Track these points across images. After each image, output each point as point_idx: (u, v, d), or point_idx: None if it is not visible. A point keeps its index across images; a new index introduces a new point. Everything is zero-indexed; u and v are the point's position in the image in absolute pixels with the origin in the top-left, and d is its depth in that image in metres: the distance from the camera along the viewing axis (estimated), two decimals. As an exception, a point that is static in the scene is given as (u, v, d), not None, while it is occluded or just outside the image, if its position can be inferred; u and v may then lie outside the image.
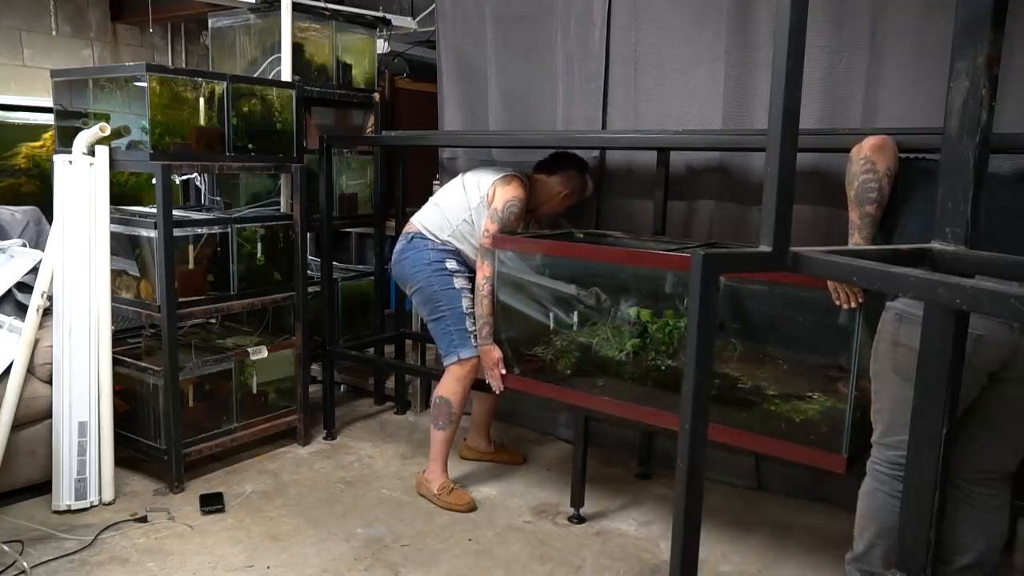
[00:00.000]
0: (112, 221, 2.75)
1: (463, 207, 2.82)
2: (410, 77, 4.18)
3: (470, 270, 2.85)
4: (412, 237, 2.86)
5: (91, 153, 2.68)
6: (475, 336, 2.77)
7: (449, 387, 2.79)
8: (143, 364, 2.88)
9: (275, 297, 3.14)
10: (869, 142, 1.90)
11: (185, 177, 3.61)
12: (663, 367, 2.47)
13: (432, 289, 2.80)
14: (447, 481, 2.80)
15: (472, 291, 2.80)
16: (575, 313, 2.71)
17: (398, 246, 2.92)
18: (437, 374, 3.11)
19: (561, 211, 2.96)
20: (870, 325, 1.98)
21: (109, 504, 2.69)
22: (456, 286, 2.80)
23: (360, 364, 3.83)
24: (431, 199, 2.96)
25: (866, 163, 1.89)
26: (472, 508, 2.74)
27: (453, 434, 2.83)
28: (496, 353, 2.73)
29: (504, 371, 2.73)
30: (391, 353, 3.82)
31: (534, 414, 3.49)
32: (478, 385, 2.87)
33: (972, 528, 1.90)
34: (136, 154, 2.72)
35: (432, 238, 2.83)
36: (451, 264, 2.82)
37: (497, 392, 2.79)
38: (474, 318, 2.77)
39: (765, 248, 1.06)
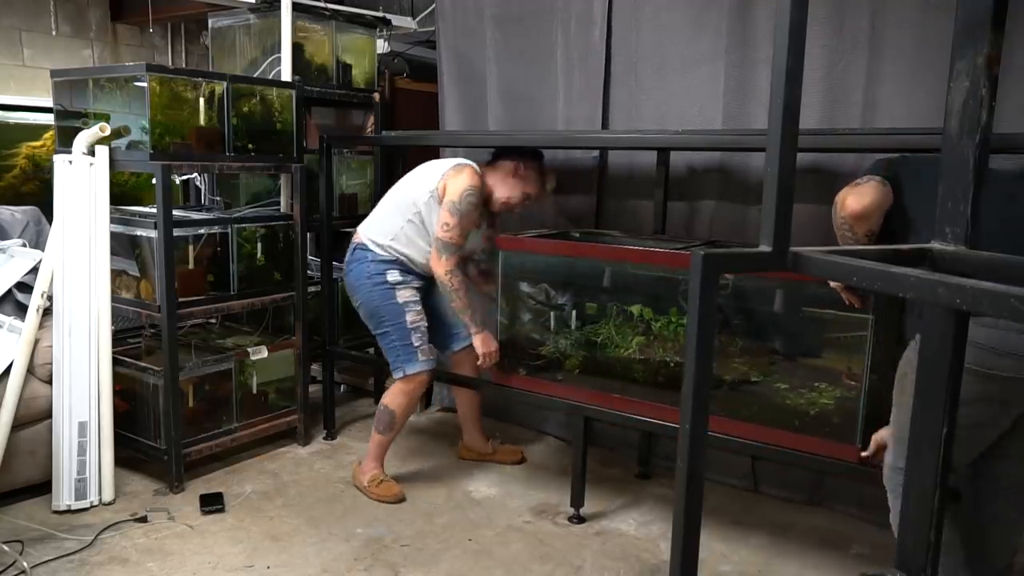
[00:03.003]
0: (112, 221, 2.75)
1: (408, 206, 2.72)
2: (410, 77, 4.18)
3: (419, 277, 2.76)
4: (355, 248, 2.79)
5: (91, 153, 2.68)
6: (422, 350, 2.70)
7: (394, 399, 2.76)
8: (143, 364, 2.88)
9: (275, 297, 3.14)
10: (850, 208, 1.79)
11: (185, 177, 3.61)
12: (671, 363, 2.48)
13: (373, 304, 2.72)
14: (378, 473, 2.82)
15: (419, 302, 2.72)
16: (573, 312, 2.72)
17: (346, 257, 2.84)
18: (441, 374, 3.12)
19: (516, 205, 2.81)
20: (883, 318, 2.00)
21: (109, 504, 2.69)
22: (398, 300, 2.69)
23: (360, 364, 3.83)
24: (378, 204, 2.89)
25: (845, 225, 1.84)
26: (399, 500, 2.75)
27: (392, 439, 2.83)
28: (493, 344, 2.71)
29: (498, 358, 2.71)
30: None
31: (533, 413, 3.48)
32: (457, 380, 2.89)
33: None
34: (136, 154, 2.72)
35: (374, 248, 2.74)
36: (392, 276, 2.70)
37: (487, 366, 2.76)
38: (421, 332, 2.70)
39: (765, 248, 1.06)
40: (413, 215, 2.70)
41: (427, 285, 2.81)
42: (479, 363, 2.75)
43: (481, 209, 2.72)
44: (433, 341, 2.80)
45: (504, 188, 2.76)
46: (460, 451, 3.16)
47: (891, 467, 1.87)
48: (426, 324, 2.75)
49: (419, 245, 2.72)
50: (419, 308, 2.72)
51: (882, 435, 2.00)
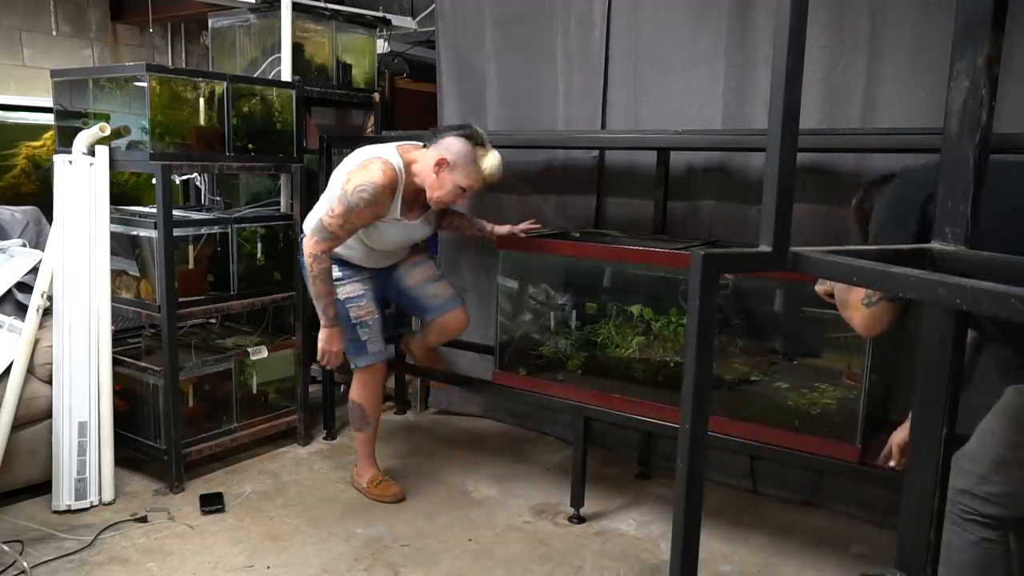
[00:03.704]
0: (112, 221, 2.75)
1: (331, 198, 2.52)
2: (410, 77, 4.18)
3: (365, 271, 2.68)
4: (300, 246, 2.64)
5: (91, 153, 2.68)
6: (371, 342, 2.68)
7: (357, 392, 2.78)
8: (143, 364, 2.88)
9: (275, 297, 3.14)
10: (857, 329, 1.70)
11: (185, 177, 3.61)
12: (671, 363, 2.48)
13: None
14: (376, 473, 2.82)
15: (364, 296, 2.65)
16: (573, 312, 2.72)
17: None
18: (440, 374, 3.11)
19: (450, 200, 2.52)
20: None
21: (109, 504, 2.69)
22: (340, 296, 2.60)
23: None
24: None
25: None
26: (399, 499, 2.77)
27: (373, 433, 2.84)
28: (336, 344, 2.59)
29: (337, 348, 2.60)
30: (391, 353, 3.82)
31: (533, 413, 3.48)
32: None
33: None
34: (136, 154, 2.72)
35: None
36: (333, 272, 2.57)
37: (326, 367, 2.72)
38: (368, 326, 2.66)
39: (765, 248, 1.06)
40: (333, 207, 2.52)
41: (380, 273, 2.74)
42: (318, 358, 2.64)
43: (382, 209, 2.47)
44: (407, 320, 2.82)
45: (431, 184, 2.49)
46: (405, 341, 3.17)
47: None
48: (376, 316, 2.69)
49: (356, 245, 2.60)
50: (363, 302, 2.64)
51: (900, 437, 1.95)
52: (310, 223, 2.59)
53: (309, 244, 2.46)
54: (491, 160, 2.48)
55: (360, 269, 2.68)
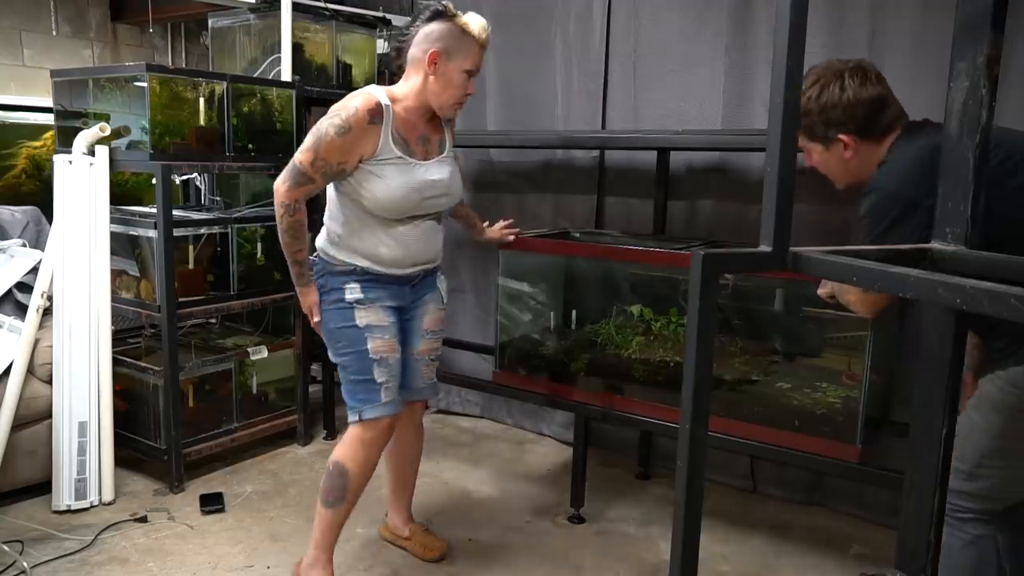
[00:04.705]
0: (112, 221, 2.75)
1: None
2: (410, 77, 4.17)
3: (389, 286, 2.12)
4: (315, 255, 2.20)
5: (91, 153, 2.68)
6: (386, 389, 2.10)
7: (349, 451, 2.11)
8: (143, 364, 2.88)
9: (275, 297, 3.14)
10: (860, 312, 1.76)
11: (185, 177, 3.61)
12: (671, 363, 2.48)
13: (329, 327, 2.12)
14: None
15: (389, 328, 2.11)
16: (573, 312, 2.72)
17: None
18: (440, 374, 3.07)
19: (467, 76, 2.04)
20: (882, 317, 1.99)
21: (109, 504, 2.69)
22: (359, 323, 2.07)
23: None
24: None
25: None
26: None
27: (347, 515, 2.16)
28: (312, 296, 2.14)
29: (318, 317, 2.13)
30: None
31: (533, 414, 3.48)
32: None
33: None
34: (136, 154, 2.72)
35: (324, 255, 2.15)
36: (351, 292, 2.08)
37: (313, 324, 2.17)
38: (387, 365, 2.10)
39: (765, 248, 1.06)
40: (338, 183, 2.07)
41: (404, 294, 2.18)
42: (310, 321, 2.18)
43: (362, 144, 1.99)
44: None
45: (435, 91, 2.04)
46: (381, 530, 2.55)
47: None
48: (399, 355, 2.14)
49: (370, 230, 2.07)
50: (387, 336, 2.10)
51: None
52: (325, 227, 2.19)
53: (281, 191, 2.03)
54: (476, 21, 2.03)
55: (385, 286, 2.12)
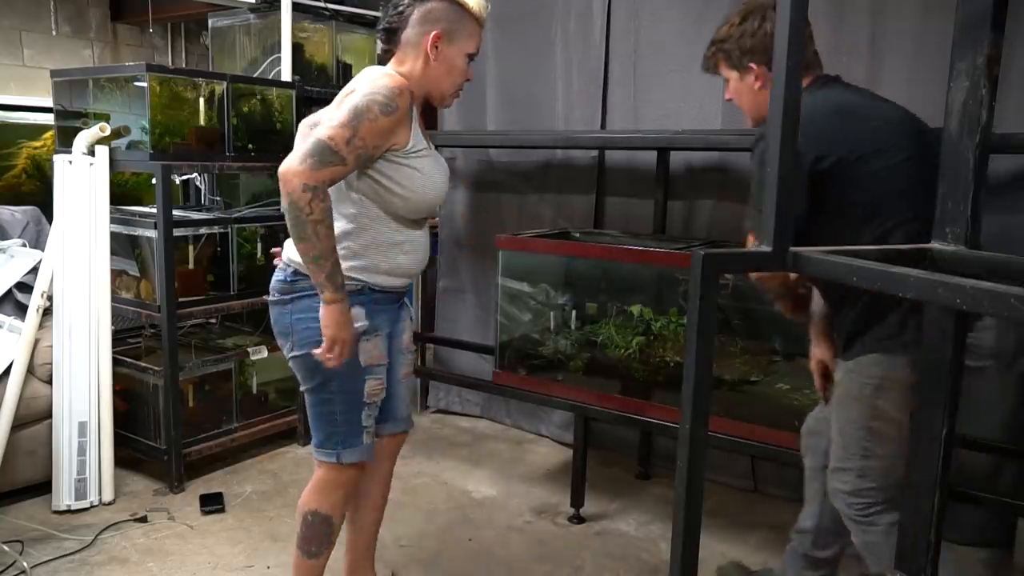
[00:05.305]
0: (112, 221, 2.75)
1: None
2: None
3: (390, 300, 1.82)
4: (293, 270, 1.80)
5: (91, 153, 2.68)
6: (368, 432, 1.82)
7: (327, 497, 1.85)
8: (143, 364, 2.88)
9: (275, 297, 3.14)
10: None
11: (185, 177, 3.61)
12: (671, 363, 2.48)
13: (317, 360, 1.70)
14: None
15: (385, 366, 1.82)
16: (573, 312, 2.71)
17: (274, 277, 1.87)
18: (439, 374, 3.07)
19: (469, 59, 1.84)
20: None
21: (109, 504, 2.69)
22: (361, 360, 1.75)
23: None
24: None
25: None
26: None
27: (326, 562, 1.94)
28: (345, 330, 1.66)
29: (346, 356, 1.69)
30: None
31: (532, 413, 3.48)
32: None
33: None
34: (136, 154, 2.73)
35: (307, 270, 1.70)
36: (356, 320, 1.71)
37: (331, 366, 1.69)
38: (374, 408, 1.83)
39: (765, 248, 1.06)
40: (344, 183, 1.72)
41: (393, 321, 1.88)
42: (323, 351, 1.67)
43: (401, 126, 1.70)
44: None
45: (437, 77, 1.79)
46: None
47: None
48: (385, 394, 1.86)
49: (388, 236, 1.76)
50: (382, 375, 1.83)
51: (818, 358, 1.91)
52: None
53: (298, 171, 1.59)
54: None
55: (385, 309, 1.83)
